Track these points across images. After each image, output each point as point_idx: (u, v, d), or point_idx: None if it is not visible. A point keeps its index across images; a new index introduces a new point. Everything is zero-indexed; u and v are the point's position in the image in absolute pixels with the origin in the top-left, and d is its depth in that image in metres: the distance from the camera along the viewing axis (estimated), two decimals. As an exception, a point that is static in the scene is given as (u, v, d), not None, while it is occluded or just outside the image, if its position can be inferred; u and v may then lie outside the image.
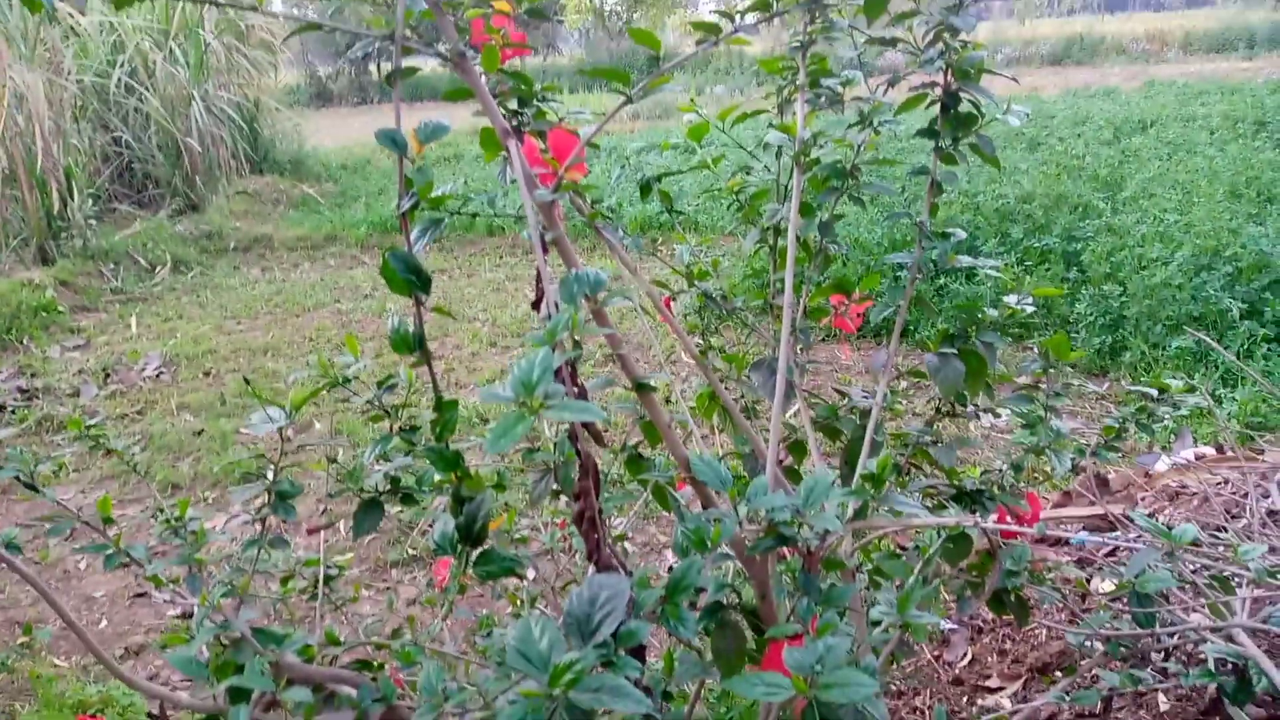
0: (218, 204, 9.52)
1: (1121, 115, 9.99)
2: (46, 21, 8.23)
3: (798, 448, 1.70)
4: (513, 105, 1.30)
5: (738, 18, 0.98)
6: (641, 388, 1.05)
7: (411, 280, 0.95)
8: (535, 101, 1.29)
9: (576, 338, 0.91)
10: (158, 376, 5.41)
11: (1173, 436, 3.63)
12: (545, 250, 0.97)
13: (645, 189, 1.65)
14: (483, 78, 1.07)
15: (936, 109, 1.51)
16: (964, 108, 1.50)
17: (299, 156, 11.70)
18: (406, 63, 1.07)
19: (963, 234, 1.59)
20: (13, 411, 4.84)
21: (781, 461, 1.67)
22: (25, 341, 5.97)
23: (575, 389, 0.97)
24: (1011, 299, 1.56)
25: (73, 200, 7.75)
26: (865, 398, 1.63)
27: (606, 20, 28.59)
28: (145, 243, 8.07)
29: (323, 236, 8.75)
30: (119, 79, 9.48)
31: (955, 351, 1.53)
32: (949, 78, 1.48)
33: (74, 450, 2.01)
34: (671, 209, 1.77)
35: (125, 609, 3.21)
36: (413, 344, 0.97)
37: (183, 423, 4.68)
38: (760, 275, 5.81)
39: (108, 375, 5.41)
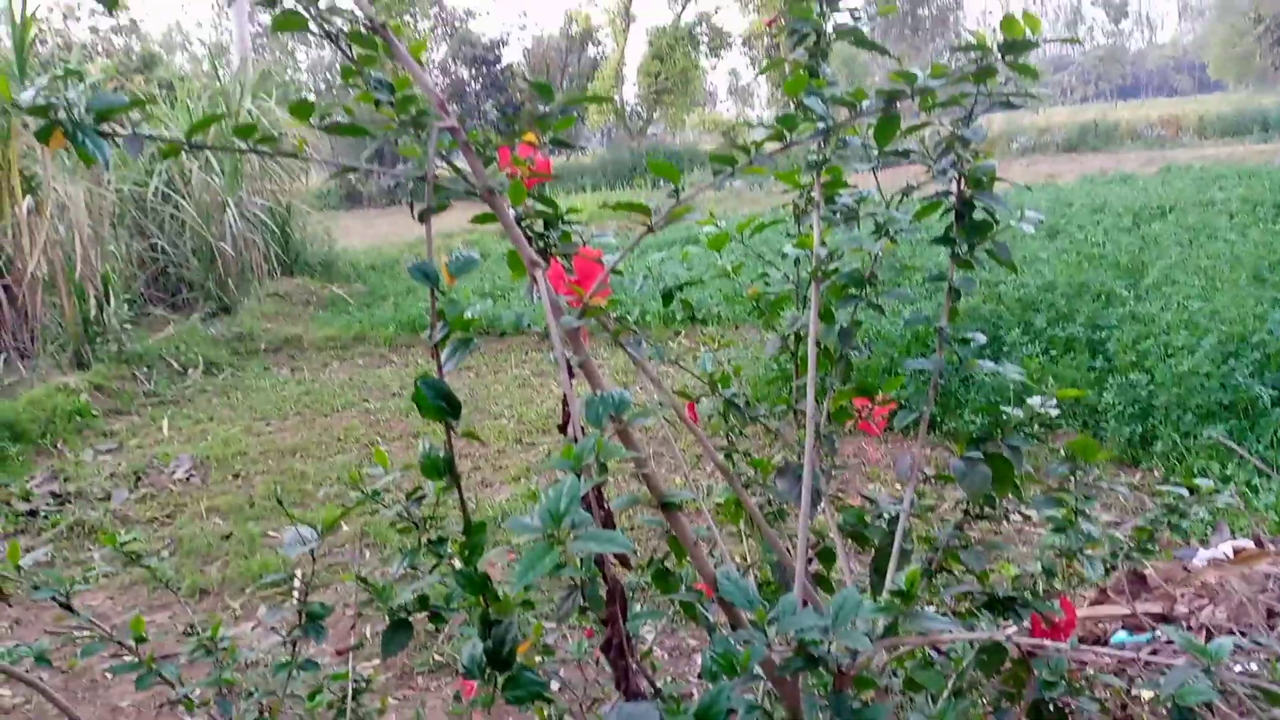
0: (249, 306, 9.72)
1: (1140, 201, 10.05)
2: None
3: (826, 555, 1.68)
4: (539, 227, 1.34)
5: (753, 150, 1.02)
6: (668, 507, 1.06)
7: (442, 406, 0.97)
8: (561, 223, 1.34)
9: (603, 461, 0.93)
10: (188, 479, 5.46)
11: (1209, 529, 3.56)
12: (571, 374, 0.99)
13: (668, 298, 1.69)
14: (510, 208, 1.11)
15: (951, 214, 1.54)
16: (978, 214, 1.53)
17: (329, 258, 11.97)
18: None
19: (983, 338, 1.60)
20: (45, 517, 4.88)
21: (810, 560, 1.66)
22: (59, 445, 6.06)
23: (602, 512, 0.98)
24: (1036, 401, 1.55)
25: (109, 305, 7.94)
26: (893, 503, 1.62)
27: (627, 120, 29.34)
28: (178, 345, 8.22)
29: (351, 336, 8.89)
30: (156, 188, 9.81)
31: (981, 455, 1.52)
32: (962, 186, 1.52)
33: (108, 568, 2.04)
34: (693, 317, 1.82)
35: (152, 719, 3.19)
36: (443, 469, 0.99)
37: (212, 526, 4.70)
38: (784, 377, 5.82)
39: (139, 478, 5.47)
